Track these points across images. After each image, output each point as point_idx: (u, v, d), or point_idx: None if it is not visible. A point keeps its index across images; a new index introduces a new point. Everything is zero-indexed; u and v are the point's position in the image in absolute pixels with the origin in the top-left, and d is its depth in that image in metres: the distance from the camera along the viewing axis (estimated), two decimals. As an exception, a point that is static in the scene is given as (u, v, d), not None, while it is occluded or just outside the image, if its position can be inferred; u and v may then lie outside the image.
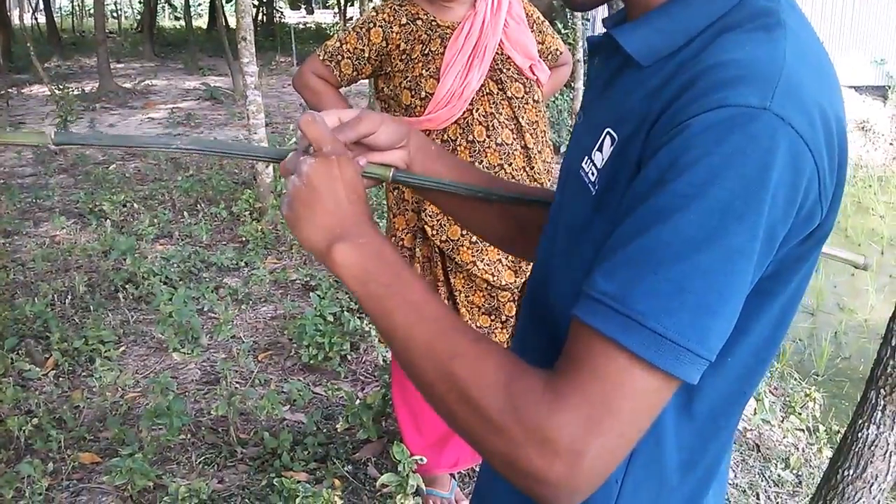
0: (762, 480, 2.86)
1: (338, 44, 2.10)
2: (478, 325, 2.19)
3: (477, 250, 2.11)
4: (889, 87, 10.29)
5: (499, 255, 2.13)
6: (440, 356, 0.71)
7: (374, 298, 0.76)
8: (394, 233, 2.22)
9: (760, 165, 0.62)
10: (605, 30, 0.84)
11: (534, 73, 2.13)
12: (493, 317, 2.19)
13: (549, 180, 2.21)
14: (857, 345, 4.51)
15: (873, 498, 1.82)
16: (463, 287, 2.17)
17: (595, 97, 0.86)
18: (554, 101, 8.54)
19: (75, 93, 10.14)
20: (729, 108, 0.63)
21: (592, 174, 0.77)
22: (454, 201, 1.06)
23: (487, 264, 2.13)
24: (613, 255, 0.65)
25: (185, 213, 5.65)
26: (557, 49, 2.36)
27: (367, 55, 2.07)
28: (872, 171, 9.02)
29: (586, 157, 0.79)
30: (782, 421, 3.23)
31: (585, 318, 0.66)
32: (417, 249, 2.18)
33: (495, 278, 2.13)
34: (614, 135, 0.75)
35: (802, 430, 3.21)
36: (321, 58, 2.12)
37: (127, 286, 4.27)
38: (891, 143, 9.86)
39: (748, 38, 0.68)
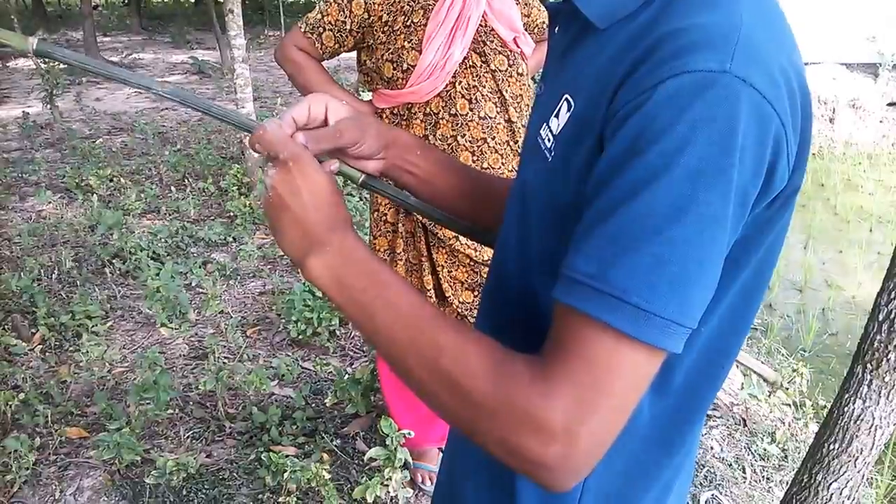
0: (748, 454, 2.88)
1: (319, 16, 2.06)
2: (461, 300, 2.18)
3: None
4: (880, 65, 10.27)
5: None
6: (425, 353, 0.71)
7: (353, 304, 0.76)
8: (376, 207, 2.20)
9: (726, 129, 0.62)
10: None
11: (518, 46, 2.09)
12: (475, 293, 2.18)
13: None
14: (844, 321, 4.53)
15: (858, 471, 1.83)
16: (445, 262, 2.15)
17: (555, 65, 0.85)
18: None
19: (61, 66, 10.00)
20: (690, 73, 0.62)
21: (549, 140, 0.77)
22: (427, 193, 1.05)
23: (469, 239, 2.11)
24: (589, 233, 0.65)
25: (173, 188, 5.61)
26: (545, 22, 2.32)
27: (348, 27, 2.03)
28: (862, 148, 9.03)
29: (544, 124, 0.79)
30: (769, 396, 3.25)
31: (567, 300, 0.65)
32: (400, 224, 2.16)
33: (477, 253, 2.12)
34: (571, 100, 0.74)
35: (789, 405, 3.23)
36: (303, 30, 2.08)
37: (114, 261, 4.24)
38: (881, 121, 9.86)
39: (705, 0, 0.67)
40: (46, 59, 9.12)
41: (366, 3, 2.00)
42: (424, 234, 2.14)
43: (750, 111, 0.63)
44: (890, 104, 10.10)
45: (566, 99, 0.75)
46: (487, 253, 2.13)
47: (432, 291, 2.18)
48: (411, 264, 2.20)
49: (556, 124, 0.76)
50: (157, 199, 5.34)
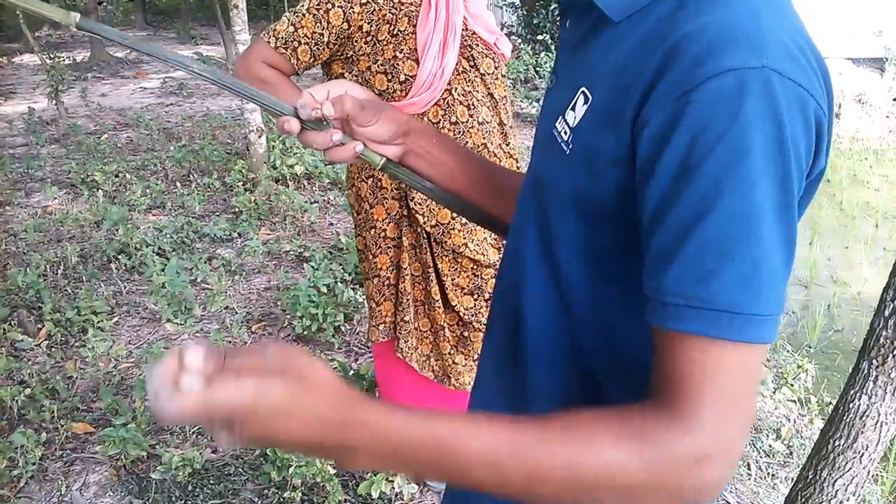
0: (753, 451, 2.87)
1: (291, 28, 1.90)
2: (465, 307, 2.16)
3: (467, 231, 2.07)
4: (887, 59, 10.22)
5: (485, 233, 2.10)
6: (553, 478, 0.65)
7: (434, 473, 0.69)
8: (373, 224, 2.13)
9: (777, 124, 0.63)
10: None
11: (499, 48, 2.07)
12: (475, 296, 2.16)
13: (520, 154, 2.18)
14: (849, 317, 4.52)
15: (863, 468, 1.82)
16: (449, 271, 2.13)
17: (567, 58, 0.85)
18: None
19: (66, 62, 10.02)
20: (731, 72, 0.62)
21: (565, 133, 0.77)
22: (443, 181, 1.07)
23: (477, 244, 2.10)
24: (675, 255, 0.65)
25: (178, 184, 5.61)
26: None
27: (326, 39, 1.90)
28: (868, 143, 8.98)
29: (560, 117, 0.79)
30: (774, 392, 3.24)
31: (680, 327, 0.65)
32: (404, 238, 2.11)
33: (485, 257, 2.11)
34: (588, 94, 0.75)
35: (794, 402, 3.22)
36: (273, 45, 1.91)
37: (119, 257, 4.25)
38: (887, 116, 9.81)
39: None
40: (52, 55, 9.16)
41: (344, 13, 1.87)
42: (429, 243, 2.12)
43: (791, 102, 0.64)
44: (896, 99, 10.05)
45: (583, 92, 0.76)
46: (491, 256, 2.13)
47: (440, 301, 2.17)
48: (414, 276, 2.17)
49: (573, 117, 0.76)
50: (162, 195, 5.35)
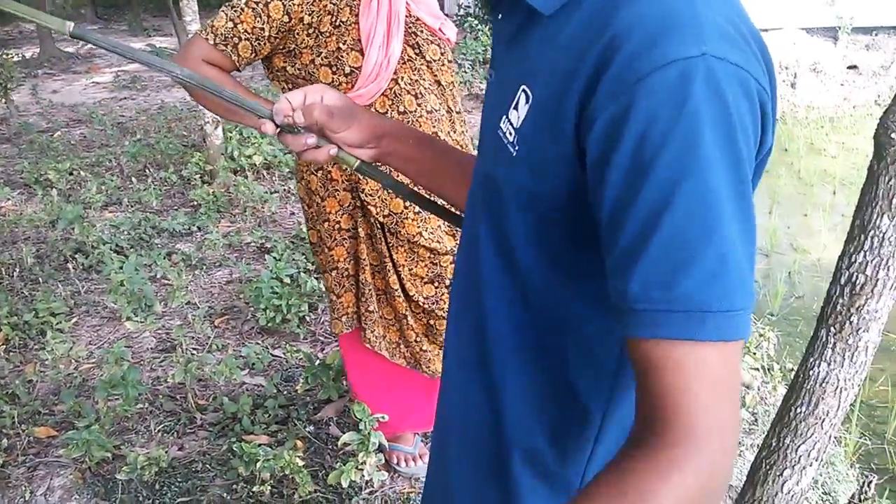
0: (720, 420, 2.90)
1: (230, 24, 1.83)
2: (424, 296, 2.14)
3: (421, 220, 2.05)
4: (839, 28, 10.36)
5: (439, 221, 2.08)
6: None
7: None
8: (326, 217, 2.10)
9: (724, 111, 0.62)
10: None
11: (444, 33, 2.04)
12: (436, 284, 2.15)
13: (469, 141, 2.17)
14: (810, 284, 4.59)
15: (825, 433, 1.85)
16: (406, 261, 2.11)
17: (503, 53, 0.83)
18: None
19: (15, 59, 9.78)
20: (673, 63, 0.61)
21: (510, 134, 0.76)
22: (420, 178, 1.12)
23: (431, 233, 2.08)
24: (638, 259, 0.63)
25: (134, 179, 5.51)
26: None
27: (266, 34, 1.83)
28: (824, 111, 9.11)
29: (503, 117, 0.77)
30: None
31: (652, 333, 0.63)
32: (360, 229, 2.09)
33: (440, 245, 2.09)
34: (529, 92, 0.73)
35: (757, 370, 3.27)
36: (212, 42, 1.84)
37: (76, 256, 4.17)
38: (841, 84, 9.95)
39: None
40: (-2, 52, 8.93)
41: (284, 6, 1.81)
42: (383, 234, 2.09)
43: (735, 86, 0.63)
44: (850, 67, 10.20)
45: (524, 91, 0.74)
46: (447, 243, 2.11)
47: (399, 291, 2.15)
48: (373, 266, 2.15)
49: (517, 117, 0.75)
50: (118, 191, 5.25)
